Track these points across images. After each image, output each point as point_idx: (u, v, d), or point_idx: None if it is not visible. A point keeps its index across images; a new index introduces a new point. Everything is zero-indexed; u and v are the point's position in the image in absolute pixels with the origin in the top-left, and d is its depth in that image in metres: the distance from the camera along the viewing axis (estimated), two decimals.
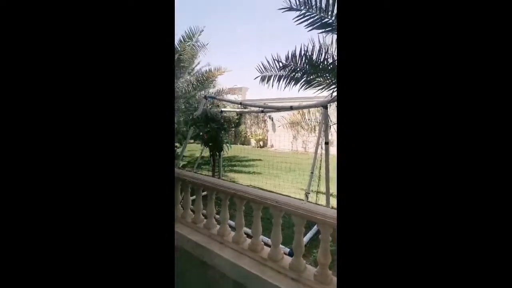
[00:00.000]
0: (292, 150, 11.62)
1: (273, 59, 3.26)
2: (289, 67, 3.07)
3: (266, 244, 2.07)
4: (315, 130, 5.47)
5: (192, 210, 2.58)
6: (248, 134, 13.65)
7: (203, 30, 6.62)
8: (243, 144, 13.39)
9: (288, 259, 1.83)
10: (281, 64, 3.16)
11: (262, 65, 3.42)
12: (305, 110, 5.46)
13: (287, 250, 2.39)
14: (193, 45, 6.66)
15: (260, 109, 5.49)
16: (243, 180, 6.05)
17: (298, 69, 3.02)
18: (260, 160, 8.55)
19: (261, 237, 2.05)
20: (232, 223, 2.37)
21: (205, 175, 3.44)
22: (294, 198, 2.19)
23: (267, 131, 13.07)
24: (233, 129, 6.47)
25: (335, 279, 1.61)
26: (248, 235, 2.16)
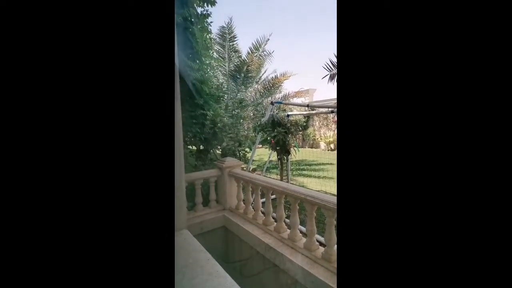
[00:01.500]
0: None
1: None
2: None
3: None
4: None
5: (263, 212, 2.65)
6: (317, 137, 13.08)
7: (269, 39, 6.89)
8: (311, 147, 12.93)
9: None
10: None
11: (331, 62, 3.24)
12: None
13: None
14: (260, 55, 7.01)
15: (330, 109, 5.17)
16: (312, 185, 5.81)
17: None
18: (331, 164, 8.01)
19: (336, 246, 1.89)
20: (302, 228, 2.29)
21: (273, 179, 3.49)
22: None
23: None
24: (301, 132, 6.36)
25: None
26: (320, 243, 2.03)
